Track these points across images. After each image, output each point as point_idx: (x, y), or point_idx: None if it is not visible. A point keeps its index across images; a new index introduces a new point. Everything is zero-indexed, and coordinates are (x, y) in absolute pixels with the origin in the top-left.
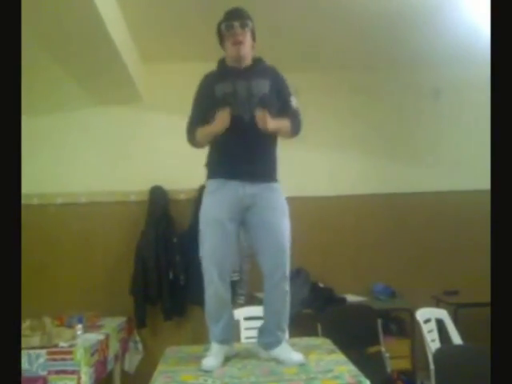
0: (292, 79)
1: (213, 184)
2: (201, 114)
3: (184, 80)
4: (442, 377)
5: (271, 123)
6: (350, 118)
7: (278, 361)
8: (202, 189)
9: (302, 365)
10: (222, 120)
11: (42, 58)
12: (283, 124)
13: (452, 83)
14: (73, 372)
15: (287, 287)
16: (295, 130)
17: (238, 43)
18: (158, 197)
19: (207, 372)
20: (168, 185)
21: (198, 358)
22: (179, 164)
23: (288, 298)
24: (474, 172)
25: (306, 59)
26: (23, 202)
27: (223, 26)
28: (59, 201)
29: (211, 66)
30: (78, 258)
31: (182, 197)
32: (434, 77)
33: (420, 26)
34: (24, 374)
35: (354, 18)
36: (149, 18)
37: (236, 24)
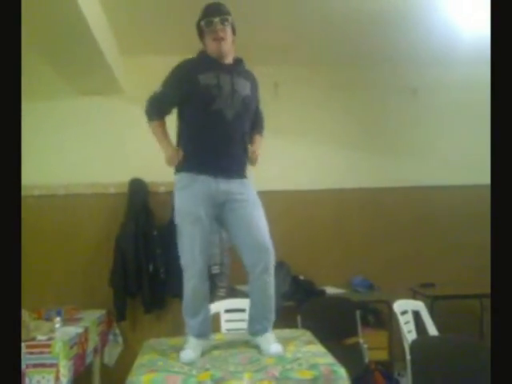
0: (274, 71)
1: (185, 178)
2: (175, 97)
3: (164, 73)
4: (418, 367)
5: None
6: (334, 112)
7: (258, 348)
8: None
9: (279, 355)
10: (172, 159)
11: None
12: (260, 145)
13: (428, 83)
14: (51, 365)
15: (269, 279)
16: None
17: (219, 39)
18: (138, 189)
19: (186, 364)
20: (148, 177)
21: (178, 350)
22: (159, 156)
23: (271, 289)
24: (454, 168)
25: (289, 52)
26: None
27: (203, 23)
28: (36, 192)
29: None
30: (56, 250)
31: (162, 189)
32: (413, 75)
33: (402, 25)
34: None
35: (337, 15)
36: (128, 11)
37: (216, 20)
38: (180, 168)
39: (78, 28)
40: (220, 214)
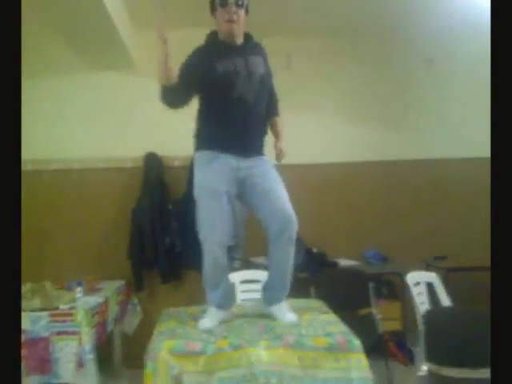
0: (287, 43)
1: (206, 155)
2: (191, 85)
3: (177, 45)
4: (431, 337)
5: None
6: (347, 84)
7: (274, 318)
8: None
9: (294, 324)
10: (168, 73)
11: (33, 21)
12: (282, 134)
13: (444, 54)
14: (74, 333)
15: (292, 248)
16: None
17: (232, 21)
18: (153, 163)
19: (204, 332)
20: (162, 151)
21: (195, 319)
22: (173, 131)
23: (291, 259)
24: (468, 140)
25: (302, 23)
26: None
27: (216, 2)
28: (53, 167)
29: (203, 32)
30: (75, 223)
31: (177, 164)
32: (428, 47)
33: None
34: (27, 336)
35: None
36: None
37: (231, 1)
38: (201, 145)
39: (91, 2)
40: (241, 190)
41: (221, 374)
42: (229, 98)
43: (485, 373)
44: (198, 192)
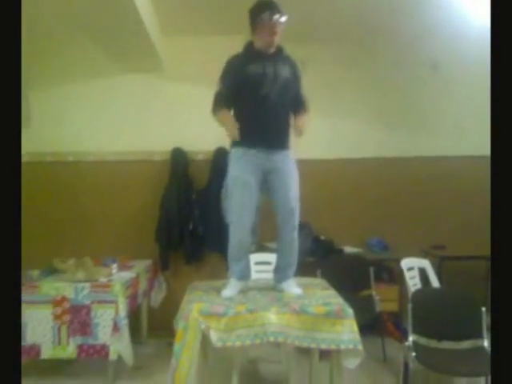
0: (298, 49)
1: (239, 150)
2: (230, 88)
3: (201, 52)
4: (416, 312)
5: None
6: (356, 87)
7: (283, 291)
8: (218, 150)
9: (299, 295)
10: (232, 130)
11: (74, 33)
12: (305, 120)
13: (449, 58)
14: (112, 302)
15: (295, 235)
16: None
17: (275, 34)
18: (179, 157)
19: (226, 299)
20: (187, 146)
21: (217, 290)
22: (197, 128)
23: (296, 244)
24: (465, 139)
25: (316, 31)
26: (61, 159)
27: (265, 16)
28: (90, 159)
29: (227, 40)
30: (110, 209)
31: (200, 157)
32: (433, 51)
33: (424, 4)
34: (72, 303)
35: None
36: None
37: (277, 17)
38: (235, 143)
39: (126, 11)
40: (264, 179)
41: (239, 332)
42: (256, 96)
43: (459, 345)
44: (231, 182)
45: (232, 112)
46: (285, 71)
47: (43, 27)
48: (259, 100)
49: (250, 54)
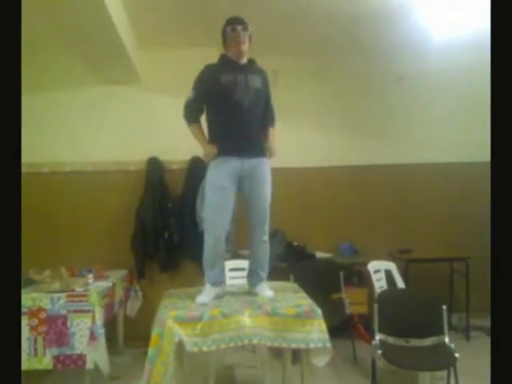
0: (273, 61)
1: (217, 160)
2: (202, 96)
3: (177, 64)
4: (381, 312)
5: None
6: (326, 98)
7: (256, 294)
8: (193, 160)
9: (271, 298)
10: (209, 153)
11: (53, 42)
12: (275, 138)
13: (412, 71)
14: (88, 311)
15: (266, 238)
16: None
17: (241, 42)
18: (155, 166)
19: (201, 305)
20: (163, 156)
21: (192, 297)
22: (173, 137)
23: (267, 247)
24: (429, 148)
25: (288, 43)
26: (35, 170)
27: (229, 29)
28: (67, 169)
29: (202, 52)
30: (86, 219)
31: (176, 167)
32: (398, 64)
33: (388, 22)
34: (48, 313)
35: (334, 12)
36: (145, 7)
37: (239, 28)
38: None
39: (102, 23)
40: (241, 184)
41: (214, 336)
42: (228, 103)
43: (423, 342)
44: (207, 188)
45: (206, 120)
46: (256, 81)
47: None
48: (231, 107)
49: (223, 64)
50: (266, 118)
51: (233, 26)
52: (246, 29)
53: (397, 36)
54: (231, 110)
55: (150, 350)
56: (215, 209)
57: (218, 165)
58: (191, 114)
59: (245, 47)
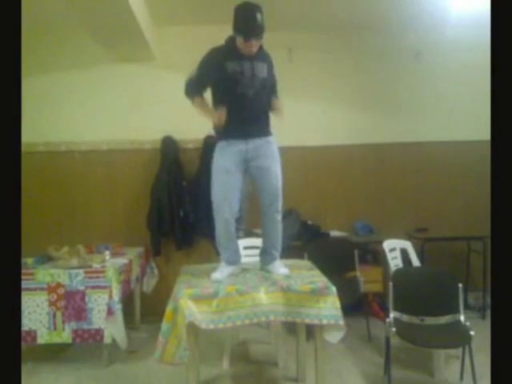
0: (288, 37)
1: (223, 143)
2: (206, 80)
3: (191, 41)
4: (396, 290)
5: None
6: (343, 75)
7: (270, 272)
8: (207, 139)
9: (286, 276)
10: (219, 118)
11: (66, 21)
12: (278, 102)
13: (431, 46)
14: (105, 287)
15: (279, 217)
16: None
17: (252, 48)
18: (169, 145)
19: (215, 282)
20: (178, 135)
21: (207, 274)
22: (187, 116)
23: (280, 226)
24: (446, 125)
25: (303, 19)
26: (53, 149)
27: (241, 38)
28: (83, 148)
29: (216, 29)
30: (102, 198)
31: (190, 146)
32: (416, 39)
33: None
34: (66, 289)
35: None
36: None
37: (253, 40)
38: (220, 137)
39: (116, 1)
40: (248, 166)
41: (229, 313)
42: (233, 93)
43: (438, 320)
44: (214, 171)
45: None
46: (262, 70)
47: (35, 17)
48: (235, 98)
49: (230, 49)
50: (269, 97)
51: (246, 36)
52: (260, 39)
53: (412, 10)
54: (235, 100)
55: (164, 324)
56: (221, 191)
57: (222, 148)
58: (193, 89)
59: (255, 49)
